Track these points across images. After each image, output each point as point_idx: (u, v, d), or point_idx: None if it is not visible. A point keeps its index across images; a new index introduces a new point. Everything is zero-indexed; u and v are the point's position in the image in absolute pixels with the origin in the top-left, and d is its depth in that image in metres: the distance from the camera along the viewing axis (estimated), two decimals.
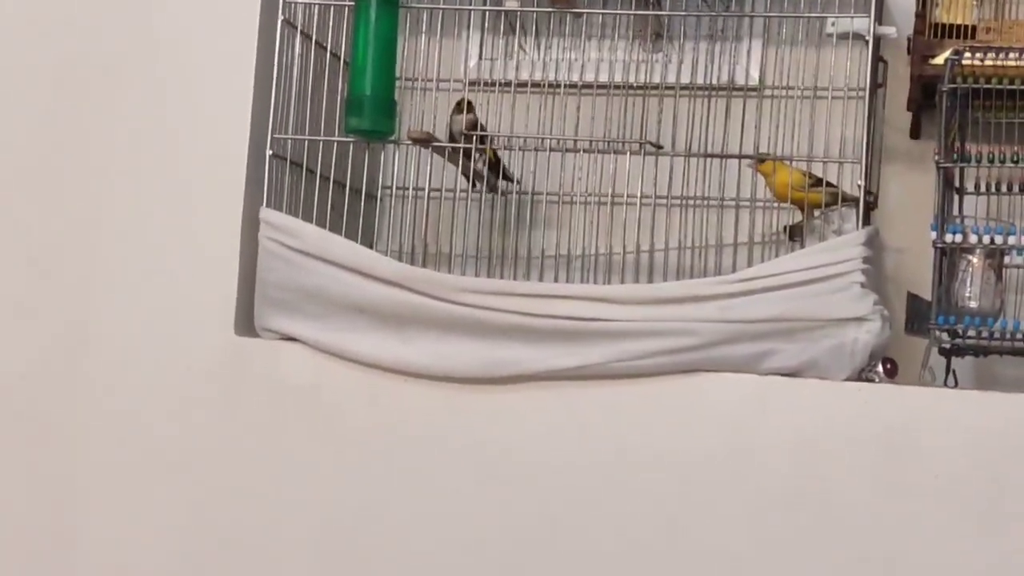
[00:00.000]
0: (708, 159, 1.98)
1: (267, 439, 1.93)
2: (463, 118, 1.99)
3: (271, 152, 1.96)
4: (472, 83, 2.09)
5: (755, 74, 2.12)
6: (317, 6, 2.00)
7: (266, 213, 1.94)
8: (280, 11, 1.97)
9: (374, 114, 1.93)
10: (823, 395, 1.80)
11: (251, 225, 1.95)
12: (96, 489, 1.98)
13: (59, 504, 1.99)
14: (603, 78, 2.07)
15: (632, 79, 2.05)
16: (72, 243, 2.02)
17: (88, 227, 2.02)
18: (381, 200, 2.13)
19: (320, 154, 1.99)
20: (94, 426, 1.99)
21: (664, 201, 2.00)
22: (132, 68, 2.02)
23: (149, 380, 1.97)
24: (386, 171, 2.09)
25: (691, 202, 2.02)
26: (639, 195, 1.96)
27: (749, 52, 2.12)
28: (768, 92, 2.06)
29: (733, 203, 2.02)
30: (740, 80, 2.08)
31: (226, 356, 1.94)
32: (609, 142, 1.98)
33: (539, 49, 2.12)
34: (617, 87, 2.05)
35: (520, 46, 2.11)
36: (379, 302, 1.89)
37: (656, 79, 2.04)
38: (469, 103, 2.00)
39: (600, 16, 2.06)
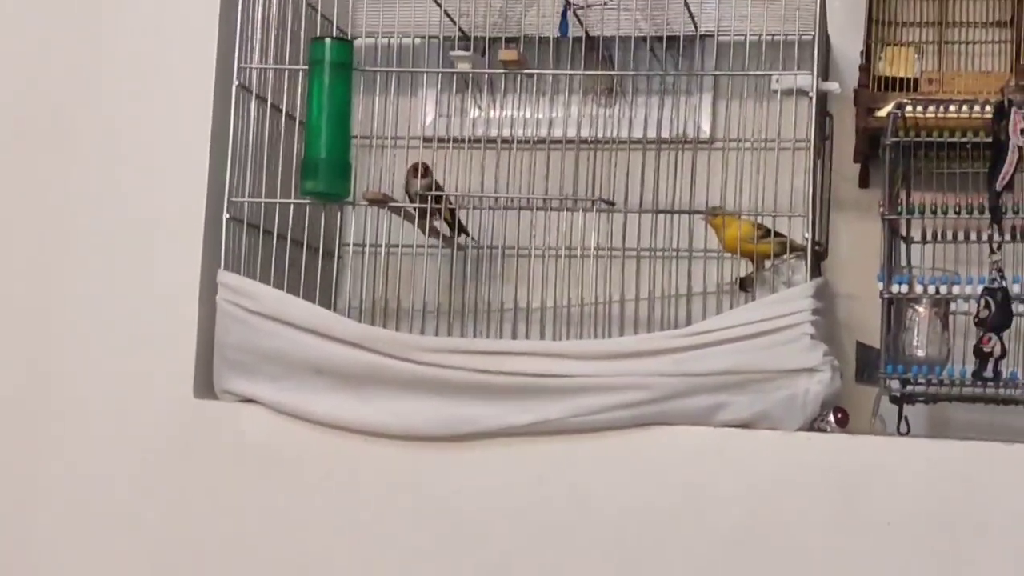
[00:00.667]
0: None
1: (227, 500, 1.95)
2: (419, 181, 2.02)
3: (228, 215, 1.98)
4: (428, 140, 2.12)
5: (706, 127, 2.16)
6: (272, 70, 2.03)
7: (224, 276, 1.96)
8: (235, 76, 2.00)
9: (329, 177, 1.96)
10: (776, 446, 1.83)
11: (209, 288, 1.97)
12: (56, 549, 1.99)
13: (18, 563, 2.00)
14: (557, 133, 2.10)
15: (586, 134, 2.08)
16: (32, 307, 2.04)
17: (47, 290, 2.04)
18: (341, 257, 2.15)
19: (277, 215, 2.01)
20: (54, 487, 2.00)
21: (619, 254, 2.02)
22: (88, 134, 2.04)
23: (109, 443, 1.99)
24: (345, 229, 2.12)
25: (645, 254, 2.04)
26: (593, 249, 1.99)
27: (700, 106, 2.16)
28: (719, 145, 2.09)
29: (687, 255, 2.05)
30: (691, 133, 2.11)
31: (185, 419, 1.96)
32: (563, 199, 2.01)
33: (494, 106, 2.15)
34: (571, 142, 2.08)
35: (475, 104, 2.14)
36: (338, 362, 1.91)
37: (610, 134, 2.07)
38: (425, 166, 2.03)
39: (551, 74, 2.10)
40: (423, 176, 2.02)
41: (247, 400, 1.96)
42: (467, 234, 2.08)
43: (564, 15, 2.08)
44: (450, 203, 2.05)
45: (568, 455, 1.87)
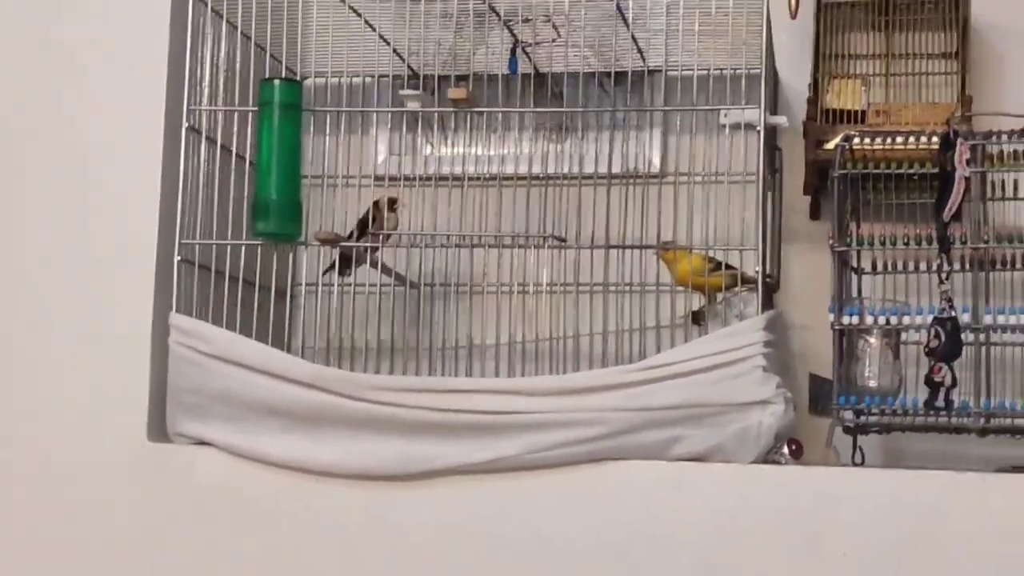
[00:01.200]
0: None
1: (182, 544, 1.93)
2: (394, 216, 2.02)
3: (179, 257, 1.97)
4: (380, 179, 2.12)
5: (656, 162, 2.17)
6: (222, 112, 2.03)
7: (175, 318, 1.95)
8: (184, 118, 1.99)
9: (280, 218, 1.96)
10: (731, 479, 1.83)
11: (161, 331, 1.96)
12: None
13: None
14: (509, 170, 2.11)
15: (537, 170, 2.09)
16: None
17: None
18: (294, 297, 2.15)
19: (229, 256, 2.00)
20: (6, 530, 1.98)
21: (572, 289, 2.03)
22: (38, 176, 2.04)
23: (62, 488, 1.97)
24: (298, 268, 2.11)
25: (598, 289, 2.05)
26: (546, 284, 1.99)
27: (650, 141, 2.17)
28: (670, 179, 2.10)
29: (639, 289, 2.06)
30: (642, 168, 2.12)
31: (139, 462, 1.95)
32: (514, 237, 2.01)
33: (445, 144, 2.15)
34: (522, 178, 2.09)
35: (427, 141, 2.15)
36: (292, 403, 1.90)
37: (561, 169, 2.08)
38: (393, 200, 2.02)
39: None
40: (391, 209, 2.02)
41: (201, 442, 1.94)
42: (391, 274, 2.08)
43: (513, 53, 2.09)
44: (400, 244, 2.04)
45: (524, 492, 1.86)
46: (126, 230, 1.99)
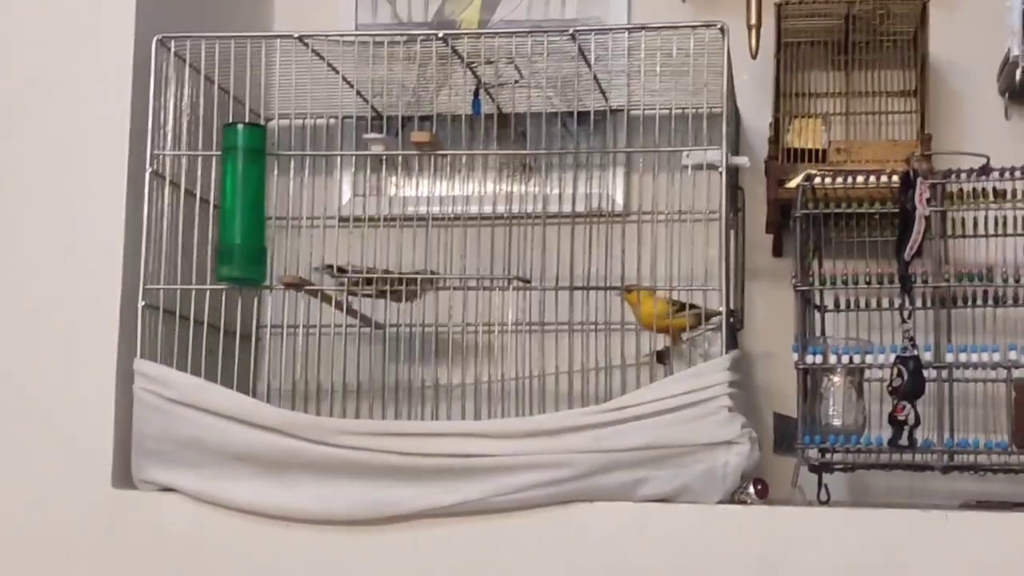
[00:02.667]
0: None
1: None
2: None
3: (144, 303, 1.97)
4: (344, 220, 2.12)
5: (620, 200, 2.18)
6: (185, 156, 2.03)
7: (140, 364, 1.95)
8: (148, 163, 1.99)
9: (244, 262, 1.95)
10: (697, 520, 1.83)
11: (126, 377, 1.96)
12: None
13: None
14: (473, 210, 2.11)
15: (502, 210, 2.09)
16: None
17: None
18: (260, 339, 2.14)
19: (194, 300, 2.00)
20: None
21: (537, 328, 2.03)
22: (1, 224, 2.02)
23: (27, 535, 1.96)
24: (263, 311, 2.11)
25: (563, 328, 2.05)
26: (511, 325, 2.00)
27: (613, 180, 2.18)
28: (633, 218, 2.11)
29: (604, 328, 2.06)
30: (606, 207, 2.13)
31: (104, 509, 1.94)
32: (479, 279, 2.02)
33: (410, 185, 2.16)
34: (486, 218, 2.09)
35: (392, 183, 2.15)
36: (257, 448, 1.90)
37: (526, 209, 2.09)
38: None
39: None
40: None
41: (166, 489, 1.94)
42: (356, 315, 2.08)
43: (476, 94, 2.10)
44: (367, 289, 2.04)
45: (491, 534, 1.86)
46: (90, 276, 1.99)
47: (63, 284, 2.00)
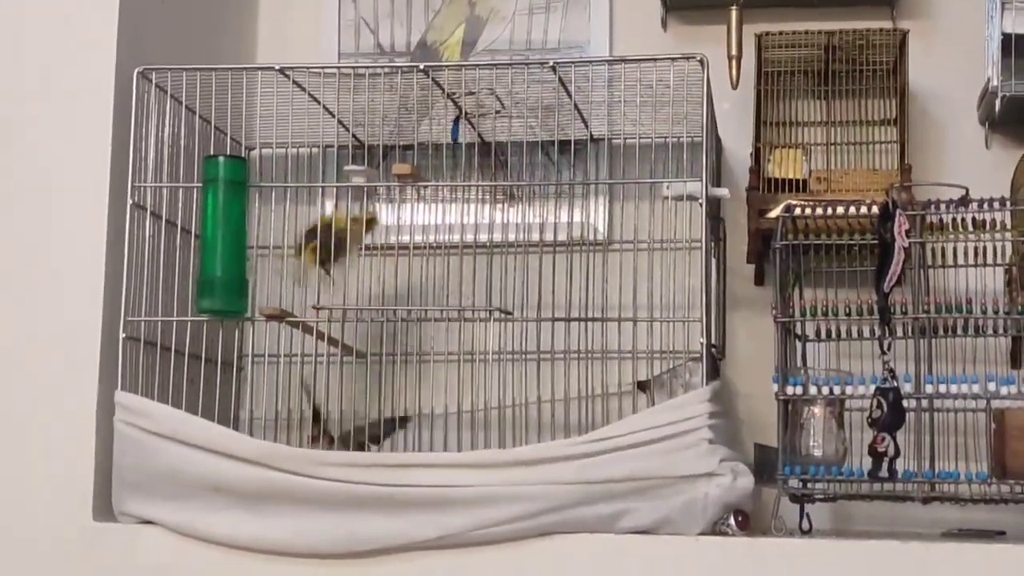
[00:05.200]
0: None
1: None
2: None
3: (125, 335, 1.96)
4: None
5: (602, 229, 2.19)
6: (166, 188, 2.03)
7: (121, 396, 1.94)
8: (129, 195, 1.99)
9: (226, 295, 1.95)
10: (678, 551, 1.83)
11: (106, 409, 1.95)
12: None
13: None
14: (455, 239, 2.11)
15: (484, 239, 2.09)
16: None
17: None
18: (241, 369, 2.14)
19: (175, 332, 2.00)
20: None
21: (519, 357, 2.03)
22: None
23: (6, 568, 1.95)
24: (245, 341, 2.11)
25: (546, 357, 2.05)
26: (492, 354, 1.99)
27: (595, 209, 2.18)
28: (616, 247, 2.12)
29: (586, 356, 2.06)
30: (588, 236, 2.13)
31: (84, 542, 1.93)
32: (460, 311, 2.02)
33: (392, 214, 2.16)
34: (468, 247, 2.09)
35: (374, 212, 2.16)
36: (237, 480, 1.89)
37: (508, 238, 2.09)
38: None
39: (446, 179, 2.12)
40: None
41: (147, 522, 1.93)
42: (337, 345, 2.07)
43: (456, 123, 2.11)
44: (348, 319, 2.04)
45: (472, 568, 1.86)
46: (71, 308, 1.98)
47: (44, 316, 2.00)
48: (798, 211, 1.94)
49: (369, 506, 1.87)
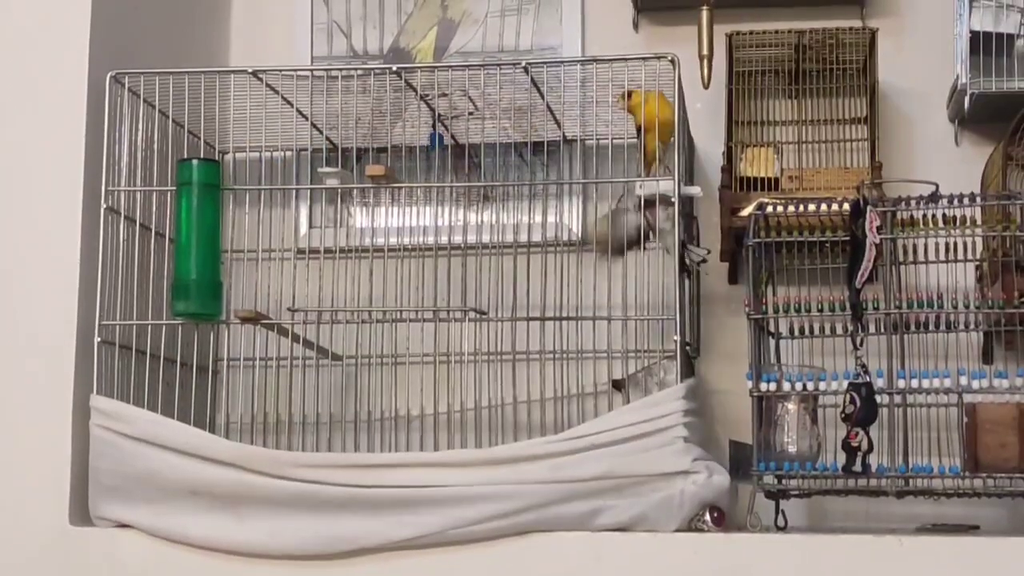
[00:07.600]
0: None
1: None
2: None
3: (100, 339, 1.96)
4: (302, 252, 2.12)
5: (576, 229, 2.20)
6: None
7: (96, 400, 1.94)
8: (103, 199, 1.99)
9: (200, 298, 1.95)
10: (654, 548, 1.84)
11: (82, 413, 1.95)
12: None
13: None
14: (430, 240, 2.12)
15: (458, 240, 2.10)
16: None
17: None
18: (217, 372, 2.14)
19: (150, 335, 2.00)
20: None
21: (495, 358, 2.04)
22: None
23: None
24: (220, 344, 2.11)
25: (521, 357, 2.06)
26: (468, 354, 2.00)
27: (569, 209, 2.19)
28: (589, 247, 2.12)
29: (562, 356, 2.06)
30: (562, 236, 2.14)
31: (61, 546, 1.93)
32: (435, 311, 2.02)
33: (366, 216, 2.16)
34: (442, 249, 2.10)
35: (348, 214, 2.16)
36: (213, 483, 1.89)
37: (482, 239, 2.09)
38: None
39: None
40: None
41: (123, 525, 1.93)
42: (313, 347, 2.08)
43: (434, 131, 2.11)
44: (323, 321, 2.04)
45: (449, 567, 1.86)
46: (46, 312, 1.98)
47: (18, 321, 2.00)
48: (770, 209, 1.95)
49: (345, 507, 1.87)
